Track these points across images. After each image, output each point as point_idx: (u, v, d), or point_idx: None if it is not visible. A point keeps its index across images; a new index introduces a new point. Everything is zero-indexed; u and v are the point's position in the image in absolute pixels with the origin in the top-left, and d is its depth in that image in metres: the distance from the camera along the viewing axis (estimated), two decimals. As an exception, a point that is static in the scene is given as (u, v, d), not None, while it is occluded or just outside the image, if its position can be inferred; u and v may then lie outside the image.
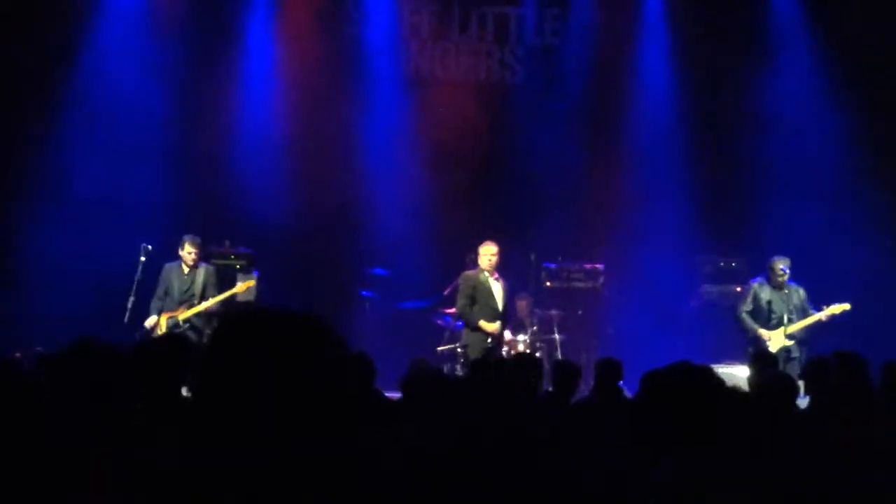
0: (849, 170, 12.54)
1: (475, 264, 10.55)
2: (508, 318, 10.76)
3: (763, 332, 10.66)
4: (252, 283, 10.80)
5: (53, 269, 11.47)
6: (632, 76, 13.58)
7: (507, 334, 10.76)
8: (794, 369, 9.82)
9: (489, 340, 10.21)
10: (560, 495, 3.14)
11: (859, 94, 12.63)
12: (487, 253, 10.31)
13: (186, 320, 10.48)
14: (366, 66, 13.43)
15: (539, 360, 8.35)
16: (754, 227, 12.51)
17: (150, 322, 10.43)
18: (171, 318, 10.49)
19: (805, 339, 10.65)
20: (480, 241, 10.57)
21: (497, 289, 10.38)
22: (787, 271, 10.65)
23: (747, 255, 12.11)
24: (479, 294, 10.30)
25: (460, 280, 10.53)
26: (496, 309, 10.33)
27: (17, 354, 9.25)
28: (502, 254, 10.44)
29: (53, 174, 11.93)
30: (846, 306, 10.54)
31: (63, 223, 11.63)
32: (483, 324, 10.21)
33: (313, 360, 1.61)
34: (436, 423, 3.86)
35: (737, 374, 10.01)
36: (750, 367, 7.96)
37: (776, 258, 10.73)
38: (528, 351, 11.41)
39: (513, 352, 11.40)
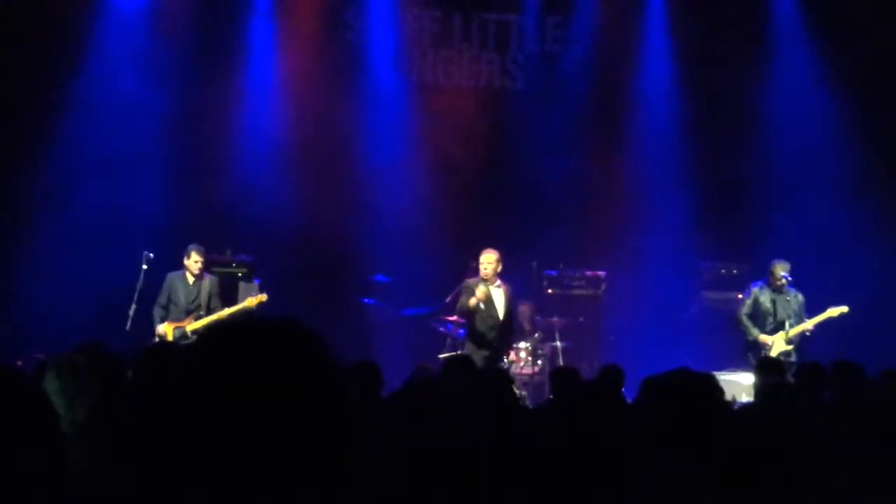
0: (852, 175, 12.53)
1: (476, 271, 10.54)
2: (510, 326, 10.71)
3: (763, 338, 10.68)
4: (263, 297, 10.76)
5: (55, 277, 11.46)
6: (633, 84, 13.60)
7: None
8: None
9: (488, 352, 10.18)
10: (561, 498, 3.15)
11: (862, 96, 12.64)
12: (485, 261, 10.28)
13: (194, 331, 10.47)
14: (368, 74, 13.45)
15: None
16: (755, 234, 12.52)
17: (160, 330, 10.41)
18: (178, 328, 10.47)
19: (803, 343, 10.65)
20: (481, 248, 10.57)
21: (498, 296, 10.35)
22: (788, 276, 10.67)
23: (748, 262, 12.11)
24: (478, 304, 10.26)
25: (462, 287, 10.50)
26: (496, 317, 10.31)
27: (19, 362, 9.27)
28: (504, 261, 10.42)
29: (55, 181, 11.93)
30: (844, 309, 10.55)
31: (64, 230, 11.62)
32: (477, 295, 10.17)
33: (296, 369, 1.58)
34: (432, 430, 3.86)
35: (739, 381, 10.03)
36: (756, 374, 7.95)
37: (776, 262, 10.77)
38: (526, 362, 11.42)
39: (514, 358, 11.41)
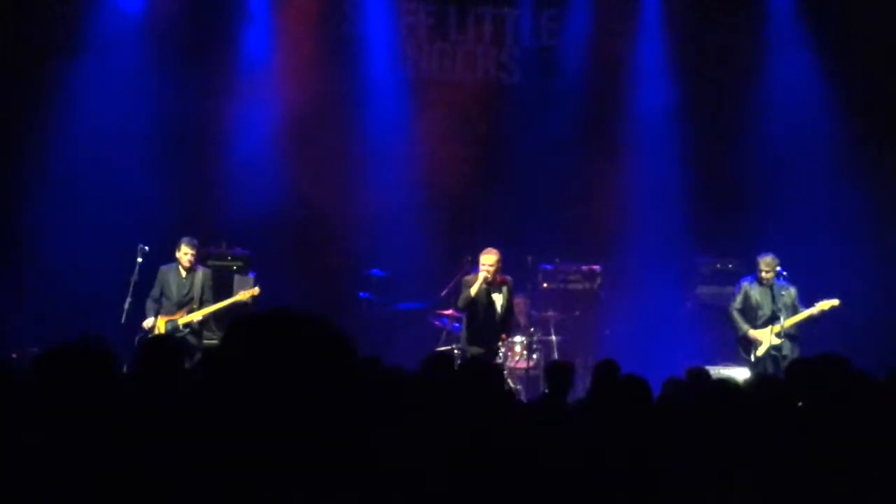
0: (848, 170, 12.53)
1: (472, 265, 10.53)
2: (509, 323, 10.68)
3: (753, 333, 10.69)
4: (256, 291, 10.75)
5: (50, 271, 11.45)
6: (628, 78, 13.59)
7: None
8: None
9: (484, 349, 10.17)
10: (559, 494, 3.15)
11: (859, 92, 12.64)
12: (486, 263, 10.21)
13: (186, 325, 10.46)
14: (363, 67, 13.43)
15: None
16: (751, 230, 12.51)
17: (147, 324, 10.39)
18: (170, 321, 10.45)
19: (797, 336, 10.65)
20: (477, 242, 10.54)
21: (498, 299, 10.31)
22: (775, 268, 10.65)
23: (744, 257, 12.12)
24: (478, 304, 10.24)
25: (463, 283, 10.46)
26: (495, 316, 10.28)
27: (14, 355, 9.27)
28: (501, 257, 10.38)
29: (50, 176, 11.90)
30: (835, 302, 10.54)
31: (60, 224, 11.60)
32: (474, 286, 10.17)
33: (338, 365, 1.61)
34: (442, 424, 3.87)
35: (733, 375, 10.04)
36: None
37: (763, 255, 10.77)
38: (523, 352, 11.43)
39: (509, 354, 11.41)
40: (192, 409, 1.60)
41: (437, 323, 11.78)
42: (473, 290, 10.12)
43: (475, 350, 10.10)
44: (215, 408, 1.57)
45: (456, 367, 9.42)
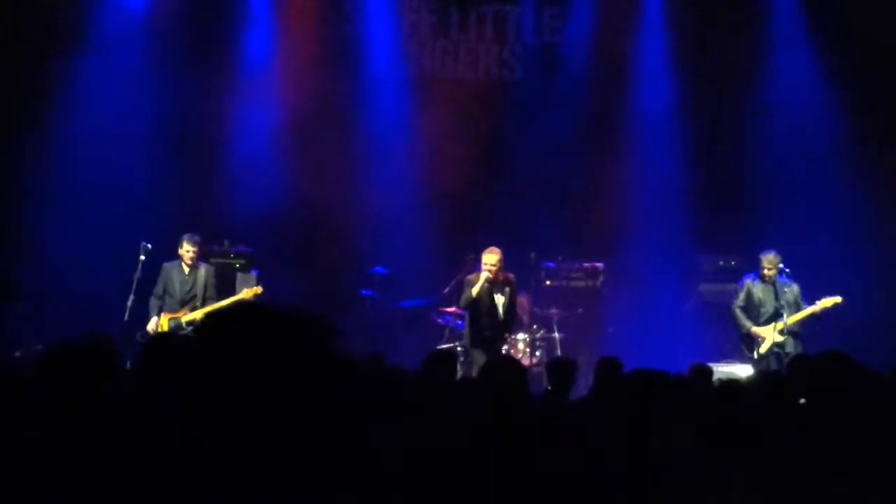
0: (849, 167, 12.52)
1: (475, 263, 10.52)
2: (511, 321, 10.67)
3: (755, 330, 10.68)
4: (259, 289, 10.79)
5: (51, 270, 11.46)
6: (631, 75, 13.58)
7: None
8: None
9: (486, 347, 10.16)
10: (559, 493, 3.16)
11: (859, 92, 12.63)
12: (488, 262, 10.18)
13: (189, 322, 10.48)
14: (365, 65, 13.44)
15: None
16: (754, 226, 12.51)
17: (151, 325, 10.42)
18: (173, 318, 10.49)
19: (800, 333, 10.64)
20: (479, 239, 10.52)
21: (500, 298, 10.29)
22: (778, 265, 10.64)
23: (746, 254, 12.11)
24: (481, 303, 10.23)
25: (465, 283, 10.44)
26: (497, 316, 10.27)
27: (17, 353, 9.29)
28: (504, 254, 10.37)
29: (52, 174, 11.91)
30: (837, 299, 10.55)
31: (62, 222, 11.62)
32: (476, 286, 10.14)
33: (319, 356, 1.60)
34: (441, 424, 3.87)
35: (736, 373, 10.05)
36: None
37: (765, 253, 10.78)
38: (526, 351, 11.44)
39: (512, 351, 11.41)
40: (193, 408, 1.59)
41: (439, 320, 11.79)
42: (475, 290, 10.11)
43: (477, 352, 10.09)
44: (216, 408, 1.57)
45: (476, 369, 9.52)
